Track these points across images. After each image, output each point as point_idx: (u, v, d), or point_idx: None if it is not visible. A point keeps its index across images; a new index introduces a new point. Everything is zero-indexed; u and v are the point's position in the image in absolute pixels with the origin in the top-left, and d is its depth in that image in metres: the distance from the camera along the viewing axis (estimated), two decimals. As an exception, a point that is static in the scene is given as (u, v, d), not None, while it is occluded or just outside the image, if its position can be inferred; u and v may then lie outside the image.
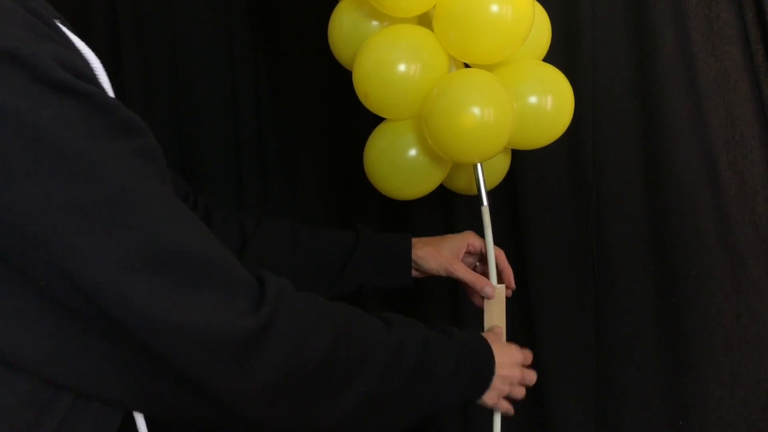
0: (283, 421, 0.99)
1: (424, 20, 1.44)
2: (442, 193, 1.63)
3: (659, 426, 1.82)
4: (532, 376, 1.37)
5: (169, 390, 0.90)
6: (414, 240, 1.52)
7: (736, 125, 1.73)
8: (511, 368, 1.31)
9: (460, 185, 1.60)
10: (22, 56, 0.78)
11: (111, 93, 0.88)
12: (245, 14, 1.95)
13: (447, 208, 1.91)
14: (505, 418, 1.41)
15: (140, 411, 0.95)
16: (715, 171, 1.74)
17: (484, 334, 1.34)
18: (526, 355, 1.37)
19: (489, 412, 1.44)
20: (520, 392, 1.35)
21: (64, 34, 0.86)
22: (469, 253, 1.55)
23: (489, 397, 1.28)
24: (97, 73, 0.87)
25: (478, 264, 1.58)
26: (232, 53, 1.97)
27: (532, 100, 1.46)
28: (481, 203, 1.47)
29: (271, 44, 1.98)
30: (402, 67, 1.38)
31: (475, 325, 1.69)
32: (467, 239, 1.53)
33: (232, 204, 1.99)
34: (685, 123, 1.74)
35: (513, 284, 1.54)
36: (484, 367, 1.26)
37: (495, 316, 1.46)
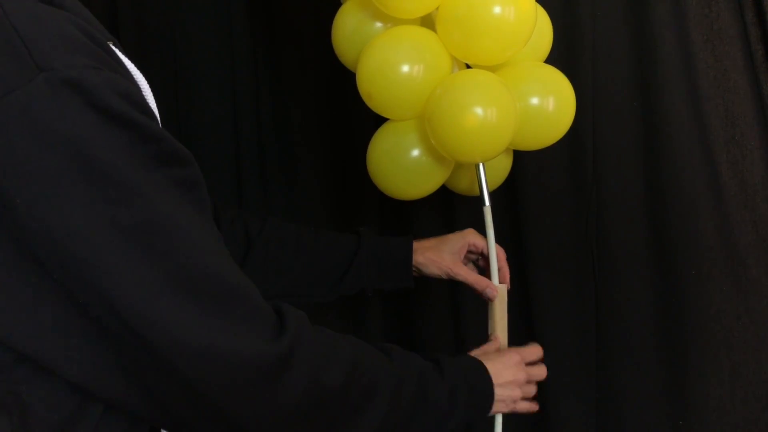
0: None
1: (427, 21, 1.44)
2: (442, 193, 1.63)
3: (659, 426, 1.83)
4: (540, 372, 1.38)
5: (190, 412, 0.93)
6: (415, 245, 1.53)
7: (736, 125, 1.73)
8: (513, 374, 1.31)
9: (463, 186, 1.60)
10: (83, 86, 0.81)
11: (157, 112, 0.93)
12: (245, 14, 1.95)
13: (448, 209, 1.91)
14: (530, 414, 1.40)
15: (164, 428, 0.99)
16: (715, 171, 1.74)
17: (476, 352, 1.35)
18: (526, 354, 1.37)
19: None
20: (531, 390, 1.36)
21: (118, 57, 0.91)
22: (470, 252, 1.55)
23: (501, 408, 1.29)
24: (146, 94, 0.92)
25: (480, 257, 1.57)
26: (232, 53, 1.96)
27: (534, 101, 1.46)
28: (483, 203, 1.47)
29: (271, 44, 1.97)
30: (405, 68, 1.39)
31: (475, 322, 1.70)
32: (468, 239, 1.54)
33: (232, 204, 1.99)
34: (685, 123, 1.74)
35: (508, 284, 1.54)
36: (480, 385, 1.26)
37: (498, 315, 1.46)
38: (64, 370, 0.88)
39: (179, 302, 0.85)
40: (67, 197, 0.81)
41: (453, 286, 1.92)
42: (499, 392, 1.28)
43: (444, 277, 1.52)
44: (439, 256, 1.51)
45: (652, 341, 1.83)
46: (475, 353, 1.34)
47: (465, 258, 1.56)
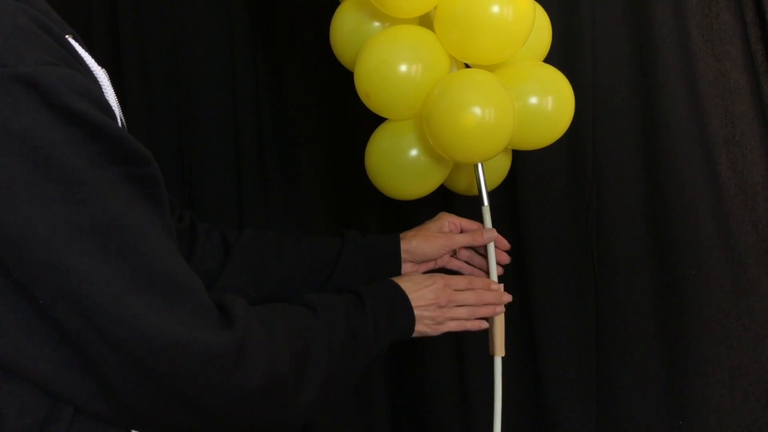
0: (265, 421, 1.04)
1: (426, 21, 1.44)
2: (442, 193, 1.63)
3: (659, 426, 1.83)
4: (465, 296, 1.39)
5: (159, 408, 0.94)
6: (402, 234, 1.51)
7: (736, 125, 1.73)
8: (433, 296, 1.34)
9: (461, 186, 1.60)
10: (38, 82, 0.80)
11: (116, 107, 0.92)
12: (245, 14, 1.95)
13: (447, 208, 1.89)
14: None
15: (134, 428, 0.99)
16: (715, 171, 1.74)
17: (397, 277, 1.38)
18: (450, 280, 1.39)
19: (489, 411, 1.44)
20: (459, 313, 1.38)
21: (75, 52, 0.90)
22: (451, 232, 1.54)
23: (424, 328, 1.34)
24: (105, 90, 0.91)
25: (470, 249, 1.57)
26: (232, 53, 1.97)
27: (533, 100, 1.46)
28: (482, 203, 1.47)
29: (271, 44, 1.98)
30: (403, 68, 1.38)
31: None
32: (445, 219, 1.52)
33: (232, 204, 2.00)
34: (685, 123, 1.74)
35: (506, 244, 1.54)
36: (400, 307, 1.30)
37: (497, 317, 1.46)
38: (29, 371, 0.88)
39: (142, 299, 0.86)
40: (24, 197, 0.81)
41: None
42: (418, 312, 1.32)
43: (444, 251, 1.50)
44: (430, 234, 1.50)
45: (652, 341, 1.83)
46: (395, 278, 1.37)
47: (459, 256, 1.55)
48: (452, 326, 1.37)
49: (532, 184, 1.85)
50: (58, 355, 0.88)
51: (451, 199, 1.86)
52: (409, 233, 1.51)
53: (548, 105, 1.47)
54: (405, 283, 1.33)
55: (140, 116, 1.94)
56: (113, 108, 0.91)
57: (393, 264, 1.49)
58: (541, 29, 1.49)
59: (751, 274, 1.74)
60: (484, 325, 1.42)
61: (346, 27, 1.48)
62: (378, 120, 1.52)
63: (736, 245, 1.75)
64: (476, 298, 1.40)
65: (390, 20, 1.44)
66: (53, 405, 0.91)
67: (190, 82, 1.98)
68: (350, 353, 1.18)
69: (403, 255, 1.48)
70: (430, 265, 1.52)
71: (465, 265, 1.55)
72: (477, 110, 1.35)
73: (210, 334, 0.91)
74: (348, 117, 1.93)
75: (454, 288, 1.38)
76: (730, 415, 1.76)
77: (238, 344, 0.94)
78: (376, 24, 1.46)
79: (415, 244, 1.48)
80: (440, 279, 1.37)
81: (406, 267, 1.49)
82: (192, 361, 0.90)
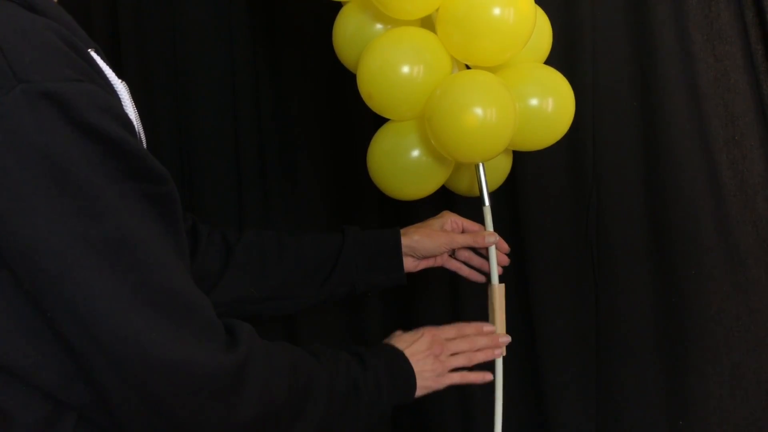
0: None
1: (427, 23, 1.44)
2: (443, 193, 1.63)
3: (659, 426, 1.83)
4: (459, 345, 1.38)
5: (154, 428, 0.94)
6: (403, 230, 1.51)
7: (736, 125, 1.73)
8: (426, 347, 1.33)
9: (463, 187, 1.60)
10: (62, 98, 0.82)
11: (135, 120, 0.95)
12: (245, 15, 1.95)
13: (448, 209, 1.90)
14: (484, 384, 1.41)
15: None
16: (715, 171, 1.74)
17: (386, 340, 1.37)
18: (438, 331, 1.37)
19: (490, 412, 1.45)
20: (455, 362, 1.36)
21: (98, 66, 0.91)
22: (452, 231, 1.54)
23: (429, 382, 1.31)
24: (125, 104, 0.93)
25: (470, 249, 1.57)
26: (232, 54, 1.97)
27: (533, 102, 1.46)
28: (483, 203, 1.47)
29: (271, 44, 1.98)
30: (406, 69, 1.39)
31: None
32: (448, 217, 1.53)
33: (232, 204, 1.99)
34: (685, 123, 1.74)
35: (506, 247, 1.55)
36: (398, 365, 1.29)
37: (498, 315, 1.46)
38: (35, 379, 0.90)
39: (147, 317, 0.87)
40: (41, 211, 0.82)
41: (453, 287, 1.93)
42: (417, 367, 1.30)
43: (444, 249, 1.50)
44: (431, 231, 1.50)
45: (652, 341, 1.83)
46: (386, 341, 1.36)
47: (458, 255, 1.55)
48: (455, 379, 1.35)
49: (532, 185, 1.85)
50: (63, 366, 0.90)
51: (451, 200, 1.86)
52: (411, 228, 1.52)
53: (549, 106, 1.48)
54: (397, 343, 1.32)
55: (140, 116, 1.93)
56: (133, 122, 0.93)
57: (394, 259, 1.49)
58: (541, 31, 1.50)
59: (751, 274, 1.75)
60: (488, 377, 1.40)
61: (348, 29, 1.49)
62: (378, 120, 1.52)
63: (736, 245, 1.75)
64: (469, 344, 1.39)
65: (392, 22, 1.45)
66: (58, 406, 0.93)
67: (190, 82, 1.97)
68: (352, 403, 1.17)
69: (404, 250, 1.49)
70: (429, 262, 1.53)
71: (463, 266, 1.56)
72: (479, 110, 1.35)
73: (210, 355, 0.92)
74: (348, 117, 1.93)
75: (443, 337, 1.37)
76: (730, 415, 1.77)
77: (238, 369, 0.95)
78: (379, 26, 1.47)
79: (417, 239, 1.49)
80: (427, 331, 1.36)
81: (406, 262, 1.50)
82: (189, 382, 0.90)
